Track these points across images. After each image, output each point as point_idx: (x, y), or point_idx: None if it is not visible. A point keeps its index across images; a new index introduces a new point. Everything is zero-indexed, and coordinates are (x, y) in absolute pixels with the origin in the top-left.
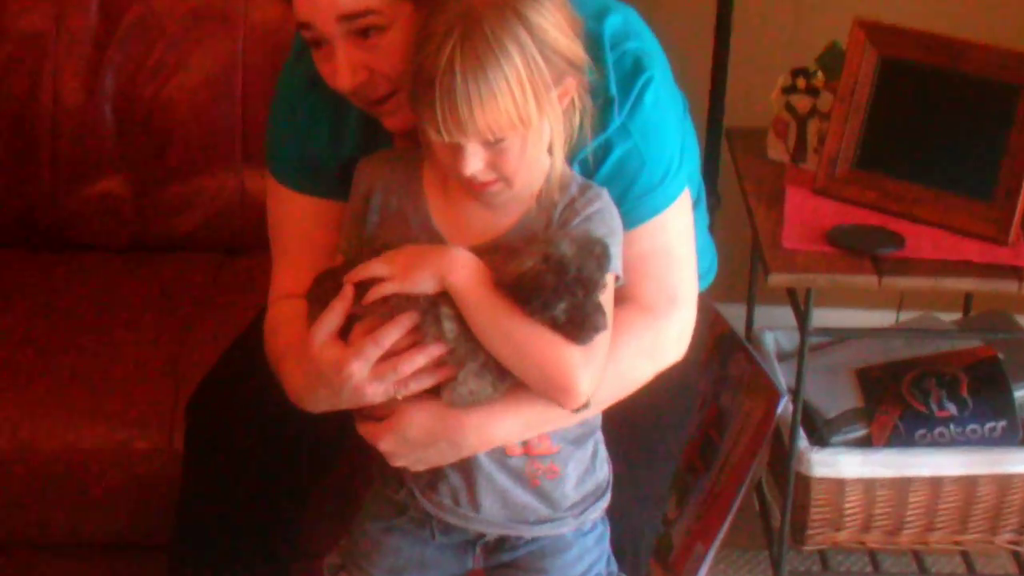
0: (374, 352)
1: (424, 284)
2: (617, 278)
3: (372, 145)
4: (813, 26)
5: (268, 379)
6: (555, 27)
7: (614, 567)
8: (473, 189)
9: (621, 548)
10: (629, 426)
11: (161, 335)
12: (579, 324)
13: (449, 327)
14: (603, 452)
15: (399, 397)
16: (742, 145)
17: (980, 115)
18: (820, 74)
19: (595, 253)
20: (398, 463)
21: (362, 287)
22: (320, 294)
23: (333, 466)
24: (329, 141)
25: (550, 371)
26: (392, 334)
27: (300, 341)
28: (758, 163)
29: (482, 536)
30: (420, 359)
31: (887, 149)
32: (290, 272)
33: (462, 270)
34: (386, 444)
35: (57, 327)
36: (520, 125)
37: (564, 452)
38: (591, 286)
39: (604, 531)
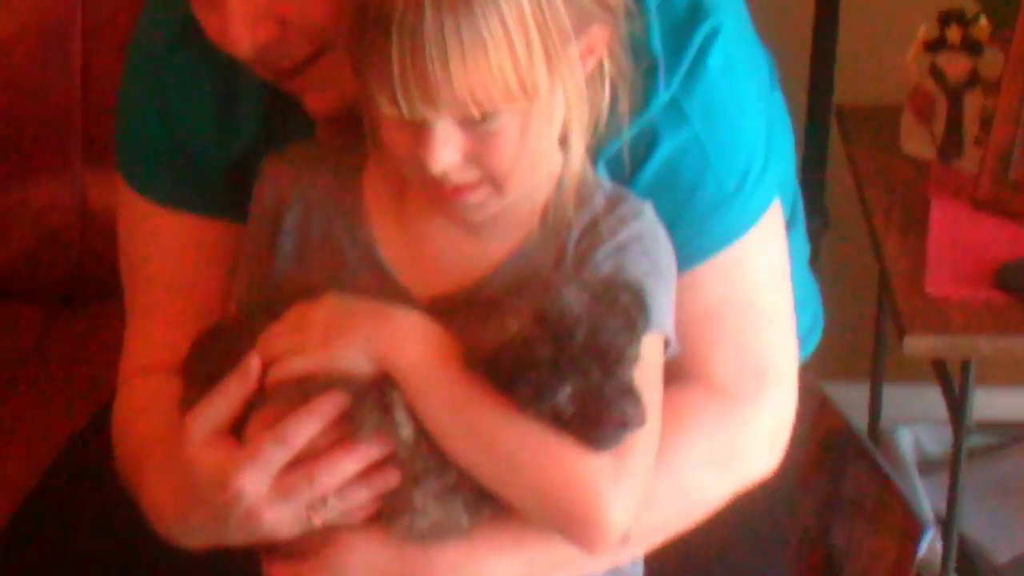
0: (278, 455)
1: (351, 361)
2: (667, 343)
3: (280, 135)
4: None
5: (112, 519)
6: None
7: None
8: (445, 198)
9: None
10: (691, 574)
11: None
12: (595, 419)
13: (403, 420)
14: None
15: (318, 524)
16: (861, 134)
17: None
18: (983, 19)
19: (621, 304)
20: None
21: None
22: (201, 368)
23: None
24: (213, 128)
25: (559, 495)
26: (307, 426)
27: (169, 438)
28: (887, 161)
29: None
30: (349, 465)
31: None
32: (155, 331)
33: (412, 342)
34: None
35: None
36: (520, 94)
37: None
38: (614, 358)
39: None
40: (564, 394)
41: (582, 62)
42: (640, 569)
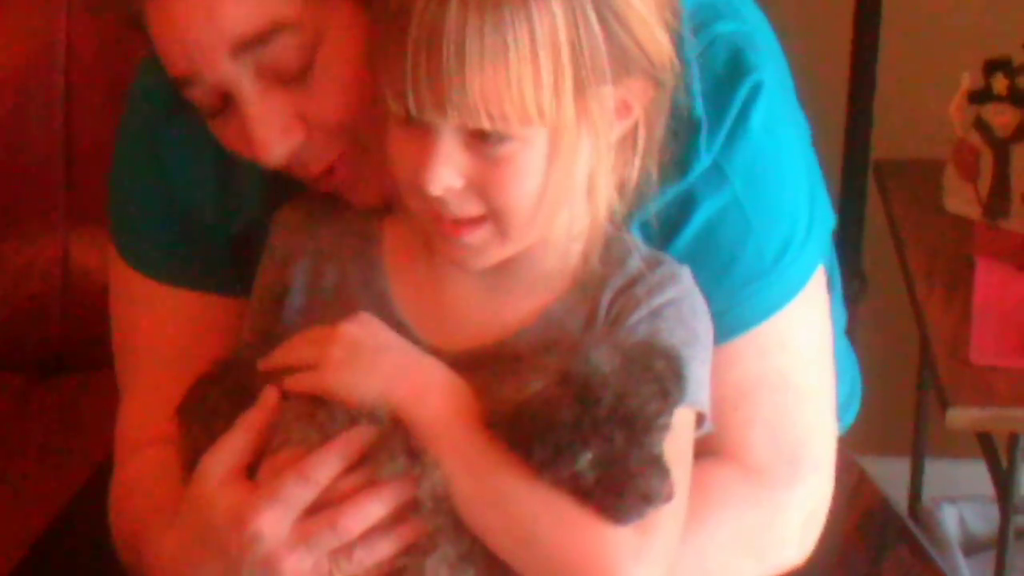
0: (300, 494)
1: (366, 397)
2: (701, 418)
3: (284, 200)
4: (1011, 7)
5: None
6: None
7: None
8: (443, 234)
9: None
10: None
11: None
12: (618, 489)
13: (431, 467)
14: None
15: None
16: (901, 190)
17: None
18: None
19: (655, 371)
20: None
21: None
22: (201, 407)
23: None
24: (214, 199)
25: (576, 569)
26: (330, 464)
27: (173, 504)
28: (928, 220)
29: None
30: (374, 509)
31: None
32: (152, 406)
33: (435, 394)
34: None
35: None
36: (538, 118)
37: None
38: (642, 426)
39: None
40: (585, 459)
41: (618, 115)
42: None
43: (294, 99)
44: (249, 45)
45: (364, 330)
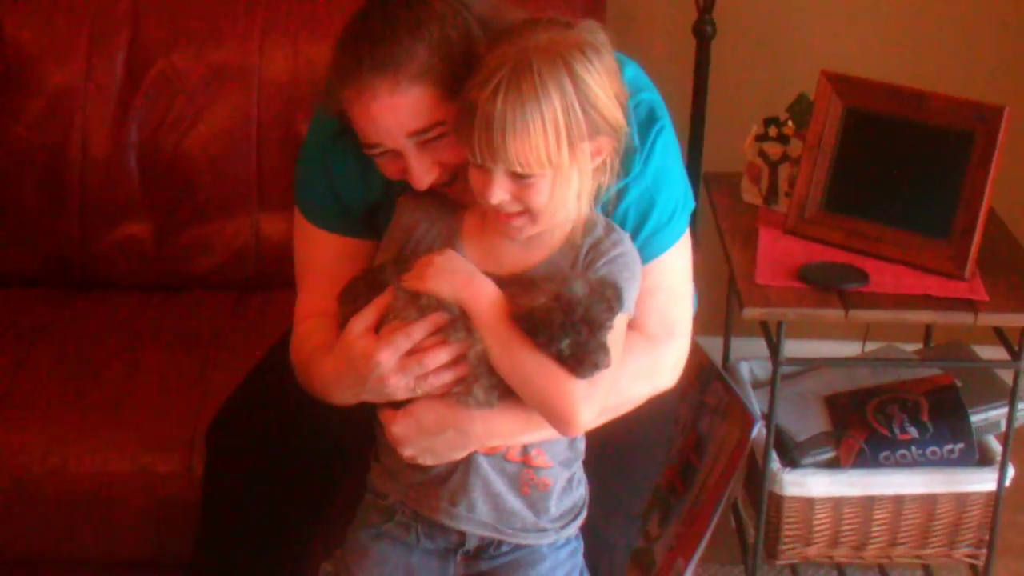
0: (403, 344)
1: (446, 295)
2: (630, 315)
3: (397, 189)
4: (784, 78)
5: (282, 405)
6: (599, 86)
7: None
8: (500, 220)
9: (596, 561)
10: (609, 448)
11: (181, 367)
12: (580, 360)
13: (478, 339)
14: (581, 474)
15: (418, 392)
16: (719, 189)
17: (938, 160)
18: (790, 123)
19: (606, 296)
20: (407, 451)
21: (397, 289)
22: (351, 293)
23: (340, 487)
24: (358, 186)
25: (553, 402)
26: (422, 330)
27: (331, 340)
28: (733, 205)
29: (462, 544)
30: (443, 355)
31: (852, 192)
32: (315, 298)
33: (483, 297)
34: (400, 428)
35: (85, 360)
36: (548, 165)
37: (555, 470)
38: (596, 327)
39: (577, 546)
40: (565, 343)
41: (592, 158)
42: (583, 441)
43: (434, 155)
44: (417, 133)
45: (447, 258)
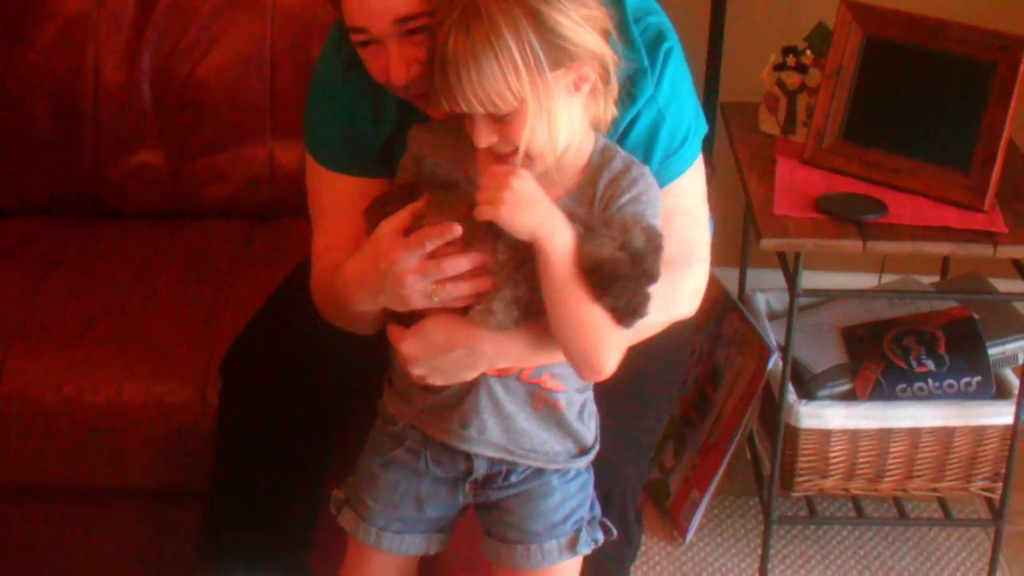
0: (422, 250)
1: (521, 230)
2: None
3: (411, 121)
4: (802, 6)
5: (296, 337)
6: (560, 13)
7: (598, 511)
8: (500, 161)
9: (609, 493)
10: (623, 378)
11: (195, 296)
12: (633, 311)
13: (502, 250)
14: (593, 407)
15: (435, 300)
16: (736, 119)
17: (958, 90)
18: (809, 52)
19: (657, 246)
20: (416, 370)
21: (434, 197)
22: (375, 211)
23: (354, 417)
24: (370, 120)
25: (591, 352)
26: (436, 238)
27: (345, 260)
28: (751, 136)
29: (470, 473)
30: (464, 263)
31: (871, 122)
32: (331, 235)
33: (561, 239)
34: (409, 345)
35: (98, 289)
36: (513, 101)
37: (569, 394)
38: (653, 279)
39: (588, 478)
40: (626, 298)
41: (576, 86)
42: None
43: (415, 49)
44: (401, 20)
45: (524, 184)
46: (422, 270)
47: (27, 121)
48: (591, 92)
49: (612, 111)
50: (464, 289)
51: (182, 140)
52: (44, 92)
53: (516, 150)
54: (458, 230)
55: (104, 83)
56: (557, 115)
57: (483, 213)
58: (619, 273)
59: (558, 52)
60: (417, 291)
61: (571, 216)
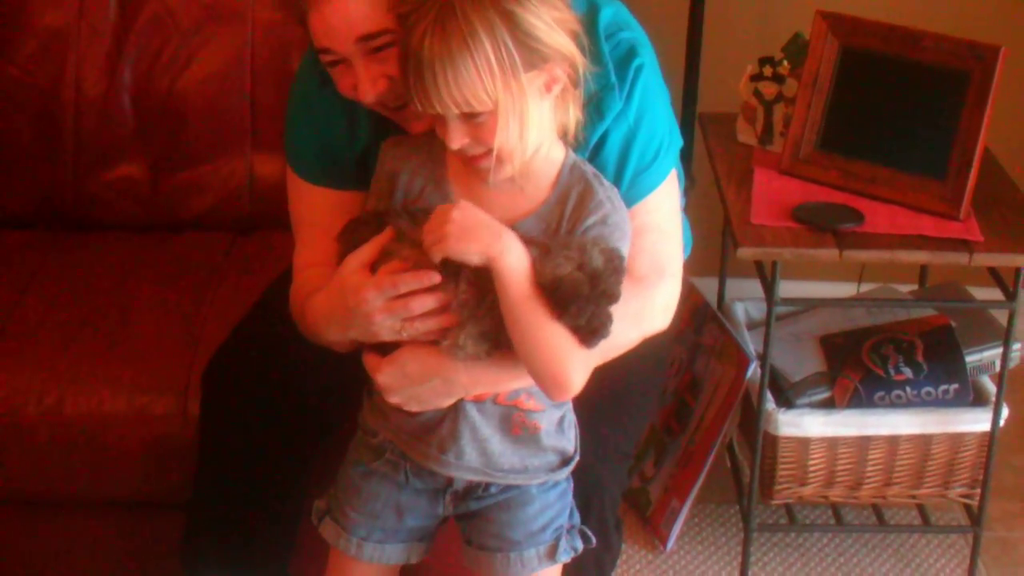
0: (391, 291)
1: (470, 256)
2: None
3: (384, 135)
4: (779, 18)
5: (277, 348)
6: (534, 15)
7: (576, 519)
8: (469, 163)
9: (588, 501)
10: (603, 389)
11: (177, 307)
12: (595, 332)
13: (464, 288)
14: (572, 418)
15: (404, 336)
16: (714, 129)
17: (934, 100)
18: (785, 63)
19: (616, 267)
20: (393, 399)
21: (398, 230)
22: (352, 232)
23: (335, 427)
24: (345, 134)
25: (555, 369)
26: (411, 284)
27: (321, 285)
28: (728, 146)
29: (451, 485)
30: (430, 301)
31: (848, 132)
32: (312, 249)
33: (513, 258)
34: (384, 377)
35: (79, 301)
36: (488, 102)
37: (547, 412)
38: (612, 299)
39: (567, 487)
40: (585, 317)
41: (548, 88)
42: None
43: (381, 66)
44: (364, 39)
45: (465, 213)
46: (390, 309)
47: (7, 134)
48: (560, 95)
49: (579, 116)
50: (432, 324)
51: (163, 153)
52: (24, 105)
53: (488, 152)
54: (436, 278)
55: (85, 96)
56: (529, 116)
57: (433, 254)
58: (578, 292)
59: (531, 54)
60: (386, 328)
61: (529, 240)
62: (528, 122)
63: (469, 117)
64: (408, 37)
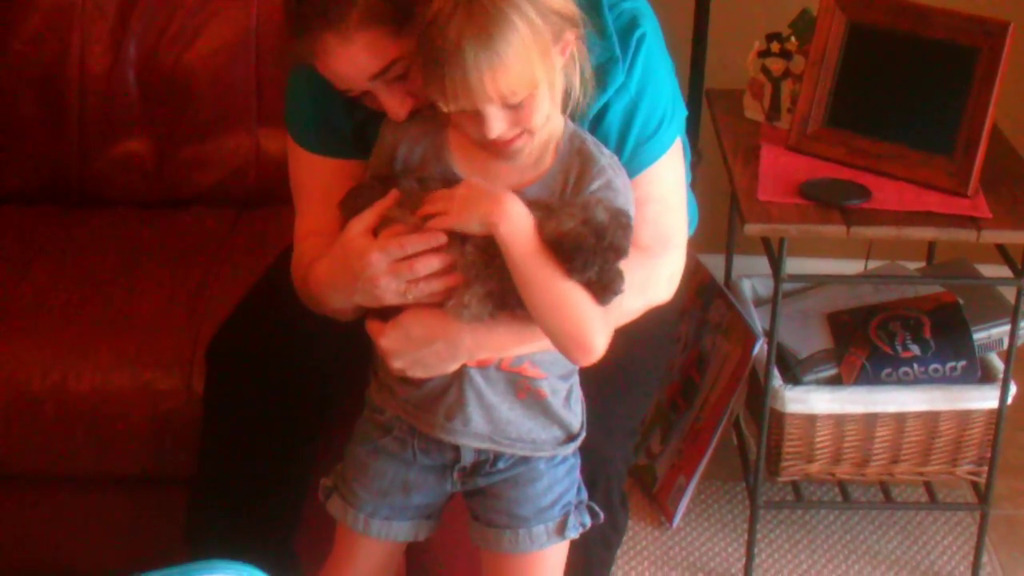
0: (396, 253)
1: (472, 226)
2: None
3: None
4: None
5: (282, 323)
6: None
7: (584, 495)
8: (499, 148)
9: (594, 478)
10: (608, 364)
11: (182, 283)
12: (606, 287)
13: (470, 250)
14: (578, 393)
15: (408, 298)
16: (721, 105)
17: (941, 76)
18: (793, 39)
19: (623, 223)
20: (396, 364)
21: (405, 191)
22: (350, 203)
23: (340, 402)
24: (343, 105)
25: (575, 328)
26: (417, 245)
27: (323, 253)
28: (736, 122)
29: (458, 461)
30: (436, 262)
31: (855, 108)
32: (312, 218)
33: (514, 220)
34: (387, 340)
35: (84, 277)
36: (528, 86)
37: (551, 381)
38: (620, 253)
39: (575, 463)
40: (594, 271)
41: (561, 54)
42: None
43: (404, 86)
44: (377, 74)
45: (469, 189)
46: (395, 271)
47: (12, 110)
48: (569, 57)
49: (586, 80)
50: (436, 286)
51: (168, 128)
52: (29, 81)
53: (523, 132)
54: (443, 239)
55: (89, 72)
56: (557, 86)
57: (432, 223)
58: (582, 244)
59: (554, 25)
60: (391, 291)
61: (533, 203)
62: (557, 95)
63: (509, 105)
64: (436, 39)
